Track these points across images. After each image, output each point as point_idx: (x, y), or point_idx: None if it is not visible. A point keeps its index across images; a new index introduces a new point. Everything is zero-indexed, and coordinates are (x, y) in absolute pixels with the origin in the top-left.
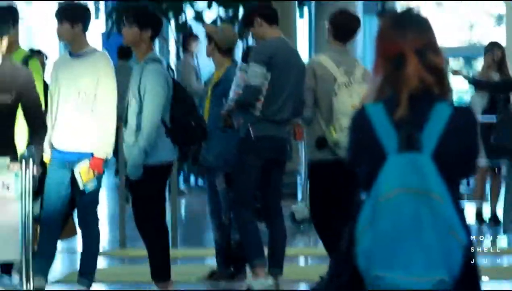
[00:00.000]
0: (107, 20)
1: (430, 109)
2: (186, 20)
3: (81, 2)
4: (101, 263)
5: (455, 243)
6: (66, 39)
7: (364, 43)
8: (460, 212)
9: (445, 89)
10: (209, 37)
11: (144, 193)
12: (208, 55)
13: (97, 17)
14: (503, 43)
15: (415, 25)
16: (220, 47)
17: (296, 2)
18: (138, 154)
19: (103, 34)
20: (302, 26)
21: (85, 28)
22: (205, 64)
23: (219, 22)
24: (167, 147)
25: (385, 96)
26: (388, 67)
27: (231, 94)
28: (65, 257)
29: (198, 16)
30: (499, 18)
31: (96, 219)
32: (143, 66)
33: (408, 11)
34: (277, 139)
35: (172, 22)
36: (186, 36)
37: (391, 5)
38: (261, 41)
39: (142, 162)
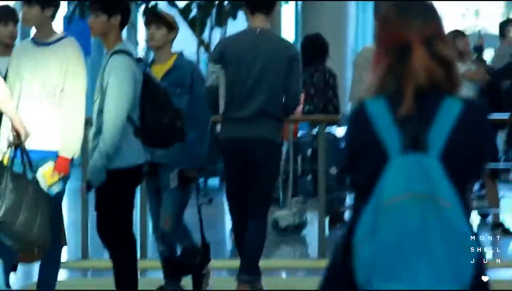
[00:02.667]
0: (69, 3)
1: (438, 105)
2: (156, 4)
3: None
4: (62, 275)
5: (465, 253)
6: (35, 25)
7: (357, 30)
8: (469, 220)
9: (454, 83)
10: (170, 25)
11: (109, 199)
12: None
13: None
14: None
15: (421, 12)
16: None
17: None
18: (99, 157)
19: (64, 18)
20: (288, 12)
21: (55, 13)
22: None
23: (194, 7)
24: (135, 148)
25: (388, 91)
26: (392, 58)
27: None
28: (22, 267)
29: (171, 0)
30: (509, 4)
31: (58, 227)
32: (108, 59)
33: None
34: (242, 139)
35: (142, 6)
36: None
37: None
38: None
39: (104, 166)
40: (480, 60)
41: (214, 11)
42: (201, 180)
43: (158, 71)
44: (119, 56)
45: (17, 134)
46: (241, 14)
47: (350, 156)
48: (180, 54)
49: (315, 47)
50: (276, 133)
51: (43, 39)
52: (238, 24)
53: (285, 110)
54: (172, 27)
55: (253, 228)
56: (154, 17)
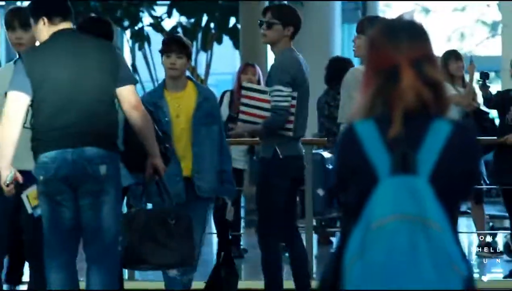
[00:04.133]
0: None
1: (427, 127)
2: (143, 28)
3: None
4: None
5: (455, 276)
6: (30, 47)
7: (343, 52)
8: (458, 241)
9: (443, 105)
10: (189, 54)
11: None
12: (180, 74)
13: None
14: (499, 53)
15: (410, 34)
16: None
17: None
18: None
19: None
20: None
21: None
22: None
23: (180, 31)
24: None
25: (377, 113)
26: (380, 81)
27: (249, 117)
28: None
29: (157, 24)
30: (494, 27)
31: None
32: None
33: (401, 18)
34: (301, 157)
35: (128, 31)
36: None
37: (372, 10)
38: (281, 58)
39: None
40: (484, 86)
41: (199, 35)
42: None
43: (178, 99)
44: None
45: (155, 170)
46: (226, 39)
47: (340, 177)
48: (197, 82)
49: (339, 70)
50: None
51: None
52: (223, 48)
53: None
54: (190, 56)
55: (301, 244)
56: (177, 46)
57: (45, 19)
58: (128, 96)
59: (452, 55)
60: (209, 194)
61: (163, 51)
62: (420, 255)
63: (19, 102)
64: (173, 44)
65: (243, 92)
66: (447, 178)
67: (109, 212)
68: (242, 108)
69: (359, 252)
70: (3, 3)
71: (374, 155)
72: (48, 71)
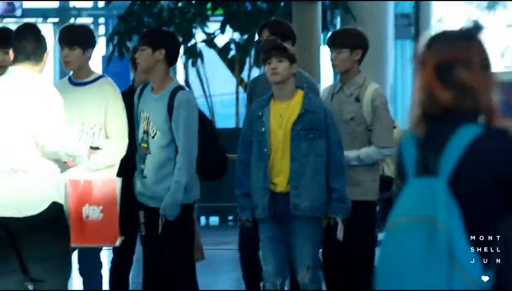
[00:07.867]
0: (107, 43)
1: (453, 131)
2: (196, 45)
3: (83, 23)
4: None
5: (459, 279)
6: (76, 67)
7: (396, 68)
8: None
9: (474, 109)
10: (291, 58)
11: (179, 233)
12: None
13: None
14: None
15: (448, 39)
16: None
17: (320, 27)
18: (178, 191)
19: (103, 58)
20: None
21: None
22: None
23: (233, 47)
24: (196, 183)
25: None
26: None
27: None
28: None
29: (210, 40)
30: None
31: (99, 264)
32: (169, 96)
33: (452, 29)
34: None
35: (181, 47)
36: None
37: (425, 26)
38: None
39: (181, 200)
40: None
41: (252, 51)
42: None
43: (282, 109)
44: (185, 92)
45: None
46: None
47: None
48: (307, 93)
49: None
50: None
51: (81, 79)
52: None
53: None
54: (294, 60)
55: None
56: (276, 50)
57: None
58: None
59: None
60: (307, 213)
61: (263, 61)
62: (423, 255)
63: None
64: (273, 49)
65: None
66: (471, 182)
67: None
68: None
69: (382, 250)
70: (56, 19)
71: (407, 157)
72: None
